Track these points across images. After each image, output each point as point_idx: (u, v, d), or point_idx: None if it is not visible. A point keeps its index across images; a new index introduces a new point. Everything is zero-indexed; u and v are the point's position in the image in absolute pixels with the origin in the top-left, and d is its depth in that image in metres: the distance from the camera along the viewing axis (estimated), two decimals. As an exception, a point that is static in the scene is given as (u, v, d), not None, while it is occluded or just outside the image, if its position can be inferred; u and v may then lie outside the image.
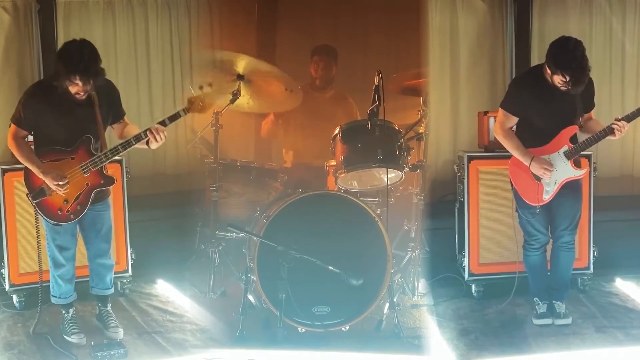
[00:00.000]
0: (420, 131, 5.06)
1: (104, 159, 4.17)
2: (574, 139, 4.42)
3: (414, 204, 5.17)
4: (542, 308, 4.69)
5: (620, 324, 4.66)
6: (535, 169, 4.39)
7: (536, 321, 4.66)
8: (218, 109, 5.04)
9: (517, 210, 4.63)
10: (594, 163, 5.19)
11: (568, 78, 4.16)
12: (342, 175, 4.57)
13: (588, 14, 6.12)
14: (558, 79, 4.22)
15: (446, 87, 6.10)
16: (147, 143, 4.17)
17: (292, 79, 5.22)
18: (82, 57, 3.97)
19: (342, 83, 5.82)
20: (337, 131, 4.64)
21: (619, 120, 4.29)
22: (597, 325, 4.64)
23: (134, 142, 4.14)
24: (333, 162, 4.75)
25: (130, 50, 6.07)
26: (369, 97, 4.44)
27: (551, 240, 4.67)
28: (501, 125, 4.50)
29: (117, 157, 4.93)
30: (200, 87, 4.21)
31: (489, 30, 6.08)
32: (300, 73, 5.65)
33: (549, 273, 4.73)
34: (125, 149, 4.16)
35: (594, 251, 5.21)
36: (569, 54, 4.17)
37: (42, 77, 5.48)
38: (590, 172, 5.15)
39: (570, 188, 4.49)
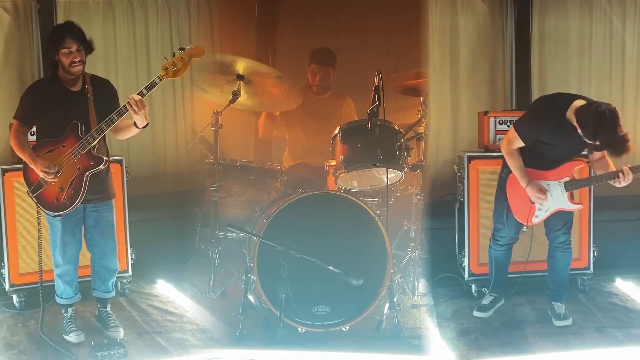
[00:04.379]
0: (420, 131, 5.06)
1: (90, 140, 4.19)
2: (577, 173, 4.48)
3: (414, 204, 5.17)
4: (486, 299, 4.80)
5: (620, 324, 4.66)
6: (530, 193, 4.43)
7: (476, 313, 4.78)
8: (218, 108, 5.05)
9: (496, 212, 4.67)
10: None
11: (609, 151, 4.13)
12: (342, 175, 4.57)
13: (588, 14, 6.12)
14: (593, 145, 4.15)
15: (446, 87, 6.10)
16: (135, 125, 4.21)
17: (292, 79, 5.21)
18: (70, 24, 4.27)
19: (342, 83, 5.82)
20: (337, 131, 4.64)
21: (627, 168, 4.27)
22: (597, 325, 4.64)
23: (116, 118, 4.17)
24: (333, 162, 4.75)
25: (130, 50, 6.07)
26: (369, 97, 4.44)
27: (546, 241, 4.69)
28: (509, 144, 4.46)
29: (117, 157, 5.00)
30: (173, 54, 4.23)
31: (489, 30, 6.08)
32: (300, 74, 5.65)
33: (547, 273, 4.74)
34: (109, 126, 4.18)
35: (594, 251, 5.21)
36: (609, 131, 4.00)
37: (42, 76, 5.48)
38: (590, 172, 5.15)
39: None
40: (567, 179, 4.44)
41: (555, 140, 4.33)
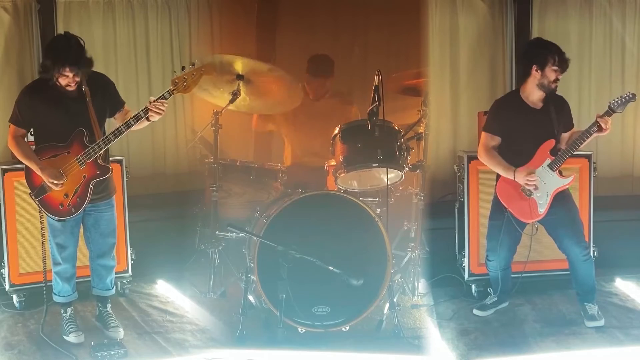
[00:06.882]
0: (420, 131, 5.07)
1: (97, 149, 4.19)
2: (554, 152, 4.49)
3: (414, 204, 5.17)
4: (489, 299, 4.86)
5: (620, 324, 4.66)
6: (520, 179, 4.43)
7: (476, 311, 4.82)
8: (218, 109, 5.05)
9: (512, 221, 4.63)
10: (594, 163, 5.20)
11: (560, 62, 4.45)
12: (342, 175, 4.57)
13: (588, 14, 6.12)
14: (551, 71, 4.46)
15: (446, 87, 6.10)
16: (147, 118, 4.19)
17: (292, 78, 5.21)
18: (69, 48, 4.09)
19: (342, 84, 5.81)
20: (336, 131, 4.64)
21: (601, 117, 4.35)
22: (597, 325, 4.63)
23: (124, 130, 4.18)
24: (333, 162, 4.75)
25: (130, 50, 6.07)
26: (369, 97, 4.44)
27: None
28: (485, 147, 4.56)
29: (117, 157, 5.00)
30: (183, 68, 4.22)
31: (489, 30, 6.08)
32: (300, 73, 5.63)
33: (571, 279, 4.71)
34: (116, 136, 4.19)
35: (594, 251, 5.20)
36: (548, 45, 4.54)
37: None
38: (590, 172, 5.17)
39: (559, 199, 4.50)
40: (548, 160, 4.47)
41: (521, 123, 4.48)
